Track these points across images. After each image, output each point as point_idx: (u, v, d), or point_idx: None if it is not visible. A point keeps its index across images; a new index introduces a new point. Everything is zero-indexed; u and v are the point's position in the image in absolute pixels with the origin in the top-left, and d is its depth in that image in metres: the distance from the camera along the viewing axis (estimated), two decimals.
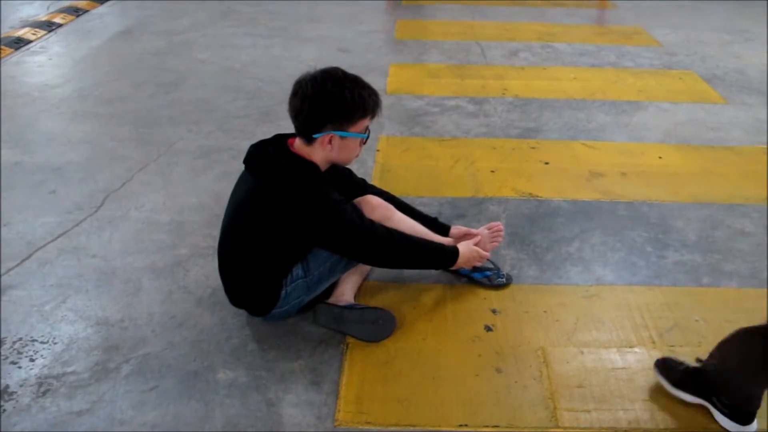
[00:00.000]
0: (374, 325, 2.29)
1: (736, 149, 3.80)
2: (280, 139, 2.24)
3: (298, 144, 2.18)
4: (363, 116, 2.14)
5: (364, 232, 2.15)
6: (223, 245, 2.30)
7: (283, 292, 2.23)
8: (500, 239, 2.64)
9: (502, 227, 2.63)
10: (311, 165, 2.15)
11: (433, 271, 2.62)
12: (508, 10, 6.97)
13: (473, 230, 2.60)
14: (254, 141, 2.26)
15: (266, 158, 2.18)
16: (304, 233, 2.15)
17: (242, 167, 2.25)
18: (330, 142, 2.12)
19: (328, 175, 2.24)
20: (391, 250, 2.21)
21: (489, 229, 2.61)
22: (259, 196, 2.14)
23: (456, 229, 2.61)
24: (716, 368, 1.99)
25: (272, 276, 2.23)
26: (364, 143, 2.26)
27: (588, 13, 6.99)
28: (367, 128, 2.19)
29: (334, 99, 2.08)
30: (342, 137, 2.13)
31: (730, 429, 1.95)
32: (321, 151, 2.15)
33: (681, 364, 2.08)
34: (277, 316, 2.30)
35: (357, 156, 2.26)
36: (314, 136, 2.11)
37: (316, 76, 2.11)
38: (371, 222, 2.19)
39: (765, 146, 3.83)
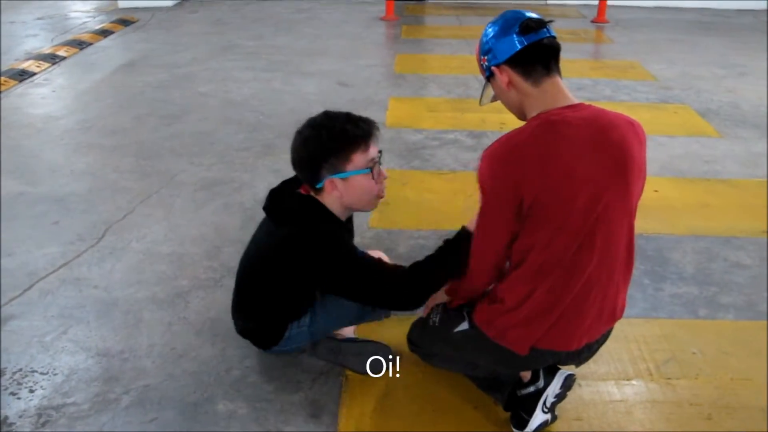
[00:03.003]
0: (373, 359, 2.30)
1: (732, 182, 3.84)
2: (295, 185, 2.18)
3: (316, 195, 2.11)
4: (353, 150, 2.00)
5: (397, 282, 2.02)
6: (240, 283, 2.25)
7: (287, 333, 2.21)
8: None
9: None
10: (329, 215, 2.07)
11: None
12: None
13: None
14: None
15: (286, 207, 2.12)
16: (332, 286, 2.08)
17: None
18: (335, 187, 2.02)
19: (347, 223, 2.21)
20: (424, 285, 2.04)
21: None
22: (281, 245, 2.05)
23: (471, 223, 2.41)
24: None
25: (281, 318, 2.20)
26: (381, 176, 2.10)
27: (584, 48, 7.09)
28: (372, 161, 2.04)
29: (315, 144, 2.00)
30: (343, 179, 2.02)
31: (542, 386, 2.03)
32: (331, 199, 2.06)
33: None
34: (276, 351, 2.31)
35: (379, 195, 2.11)
36: (317, 186, 2.04)
37: (301, 127, 2.05)
38: (395, 266, 2.07)
39: (759, 179, 3.87)
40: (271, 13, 8.66)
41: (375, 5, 8.96)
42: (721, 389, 2.25)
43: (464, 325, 1.92)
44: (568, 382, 2.03)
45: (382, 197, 2.13)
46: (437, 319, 2.03)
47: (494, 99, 1.92)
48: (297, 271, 2.04)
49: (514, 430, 2.04)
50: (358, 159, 2.01)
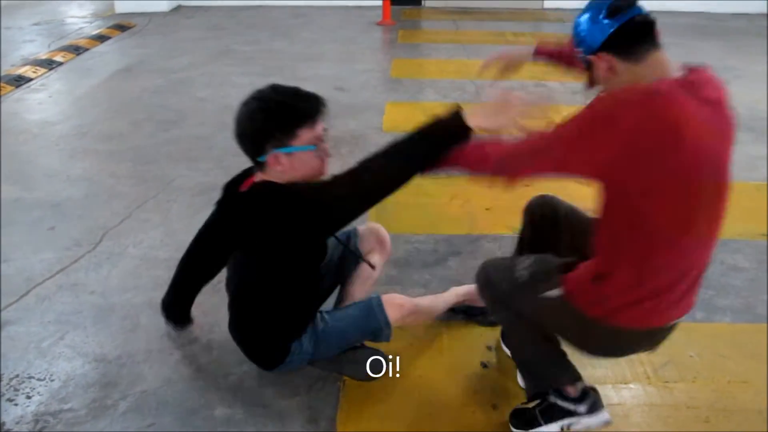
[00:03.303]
0: (373, 359, 2.29)
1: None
2: (240, 180, 2.16)
3: (257, 177, 2.06)
4: (299, 126, 1.94)
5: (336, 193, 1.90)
6: (233, 303, 2.24)
7: (288, 358, 2.17)
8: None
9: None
10: (272, 183, 2.00)
11: None
12: (503, 49, 7.07)
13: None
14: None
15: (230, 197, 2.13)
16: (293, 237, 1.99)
17: None
18: (278, 162, 1.95)
19: None
20: (374, 182, 1.93)
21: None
22: (230, 229, 2.07)
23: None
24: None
25: (283, 332, 2.16)
26: (326, 154, 2.04)
27: None
28: (318, 138, 1.99)
29: (262, 117, 1.94)
30: (287, 154, 1.95)
31: (581, 411, 1.98)
32: (274, 174, 1.98)
33: (526, 409, 2.08)
34: (278, 371, 2.28)
35: (322, 173, 2.04)
36: (259, 159, 1.97)
37: (247, 99, 2.00)
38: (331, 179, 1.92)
39: (757, 182, 3.88)
40: (267, 18, 8.68)
41: (372, 10, 8.98)
42: (718, 392, 2.25)
43: (557, 292, 1.79)
44: (602, 424, 1.99)
45: (324, 174, 2.06)
46: (526, 273, 1.88)
47: (598, 87, 1.84)
48: (259, 235, 1.98)
49: (513, 429, 2.04)
50: (305, 135, 1.95)
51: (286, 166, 1.96)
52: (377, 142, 4.41)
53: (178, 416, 2.14)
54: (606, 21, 1.69)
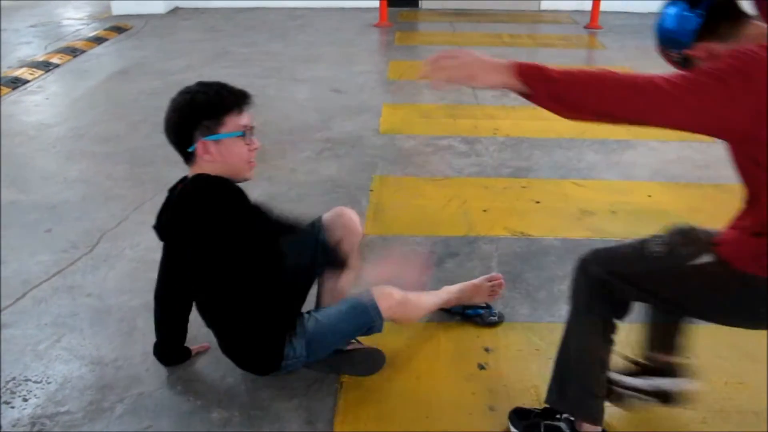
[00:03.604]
0: (364, 362, 2.31)
1: (725, 187, 3.85)
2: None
3: (189, 173, 2.10)
4: (226, 113, 2.01)
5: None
6: (211, 324, 2.25)
7: (284, 363, 2.18)
8: (499, 291, 2.66)
9: (503, 281, 2.66)
10: (204, 174, 2.03)
11: None
12: (499, 51, 7.10)
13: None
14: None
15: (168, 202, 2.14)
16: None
17: None
18: (207, 150, 2.00)
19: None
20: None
21: (489, 280, 2.64)
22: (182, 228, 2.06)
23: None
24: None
25: (266, 340, 2.17)
26: (254, 146, 2.09)
27: (577, 54, 7.13)
28: (245, 126, 2.05)
29: (188, 107, 2.02)
30: (216, 141, 2.00)
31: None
32: (207, 166, 2.02)
33: (531, 411, 2.06)
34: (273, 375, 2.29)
35: (251, 164, 2.10)
36: (189, 150, 2.02)
37: (175, 95, 2.08)
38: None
39: None
40: (264, 20, 8.68)
41: (368, 12, 8.98)
42: (715, 393, 2.25)
43: (707, 258, 1.70)
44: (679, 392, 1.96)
45: (253, 166, 2.11)
46: (664, 248, 1.77)
47: None
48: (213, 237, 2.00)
49: (511, 428, 2.03)
50: (231, 122, 2.02)
51: (215, 154, 2.01)
52: (374, 143, 4.43)
53: (175, 419, 2.13)
54: (691, 13, 1.68)
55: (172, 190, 2.16)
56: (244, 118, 2.05)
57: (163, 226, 2.16)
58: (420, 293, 2.46)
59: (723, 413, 2.17)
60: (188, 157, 2.06)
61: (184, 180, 2.13)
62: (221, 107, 2.01)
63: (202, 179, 2.00)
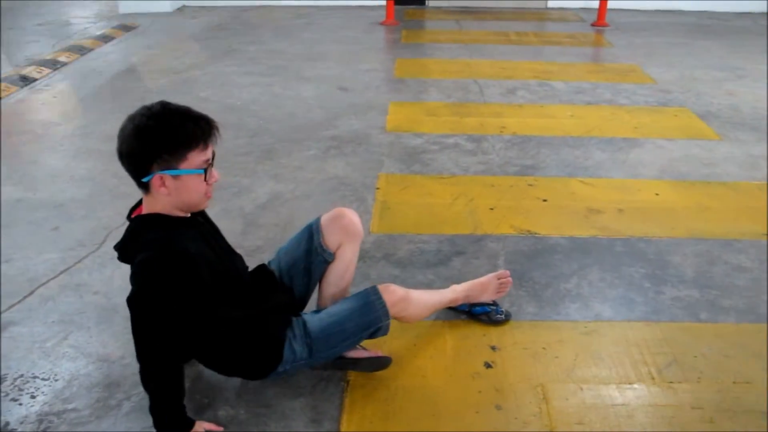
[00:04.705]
0: (370, 367, 2.30)
1: (732, 185, 3.84)
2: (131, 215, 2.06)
3: (144, 203, 2.00)
4: (189, 149, 1.85)
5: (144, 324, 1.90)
6: (200, 359, 2.20)
7: (281, 367, 2.16)
8: (507, 288, 2.65)
9: (510, 279, 2.64)
10: (167, 221, 1.95)
11: None
12: (506, 49, 7.09)
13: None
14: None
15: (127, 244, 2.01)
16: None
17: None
18: (164, 184, 1.87)
19: (198, 215, 2.11)
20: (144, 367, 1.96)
21: (498, 278, 2.62)
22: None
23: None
24: None
25: (257, 353, 2.15)
26: (213, 180, 1.97)
27: (584, 52, 7.10)
28: (207, 161, 1.91)
29: (151, 136, 1.83)
30: (174, 177, 1.87)
31: None
32: (161, 198, 1.92)
33: None
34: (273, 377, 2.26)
35: (208, 196, 1.99)
36: (143, 180, 1.88)
37: (134, 113, 1.86)
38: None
39: (759, 182, 3.87)
40: (270, 19, 8.69)
41: (375, 10, 8.98)
42: (722, 393, 2.24)
43: None
44: None
45: (210, 197, 2.02)
46: None
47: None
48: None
49: None
50: (194, 158, 1.88)
51: (171, 189, 1.89)
52: (381, 141, 4.43)
53: None
54: None
55: (129, 218, 2.06)
56: (208, 153, 1.91)
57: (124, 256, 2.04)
58: (423, 291, 2.47)
59: (730, 412, 2.16)
60: (142, 186, 1.92)
61: (140, 203, 2.04)
62: (185, 142, 1.86)
63: (144, 261, 1.88)
